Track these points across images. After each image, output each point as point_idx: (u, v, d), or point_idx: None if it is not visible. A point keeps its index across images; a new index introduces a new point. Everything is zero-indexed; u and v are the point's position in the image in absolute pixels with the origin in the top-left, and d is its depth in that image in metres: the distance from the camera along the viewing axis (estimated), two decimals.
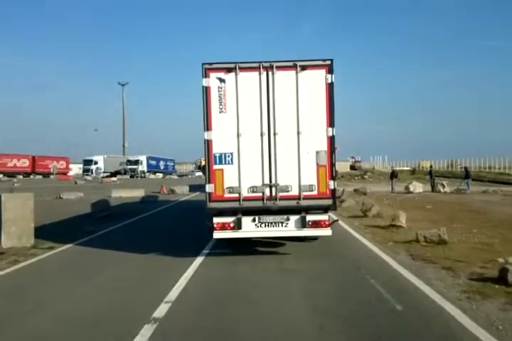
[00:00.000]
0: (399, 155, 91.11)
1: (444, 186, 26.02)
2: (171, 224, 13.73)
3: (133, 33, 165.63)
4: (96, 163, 68.69)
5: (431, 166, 36.27)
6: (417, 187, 25.72)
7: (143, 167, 67.64)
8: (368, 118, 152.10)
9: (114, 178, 49.07)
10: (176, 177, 67.25)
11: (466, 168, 28.67)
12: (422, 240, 9.40)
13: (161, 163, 74.38)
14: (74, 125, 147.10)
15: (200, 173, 70.07)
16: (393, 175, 28.17)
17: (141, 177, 63.95)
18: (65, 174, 67.52)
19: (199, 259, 8.27)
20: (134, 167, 66.87)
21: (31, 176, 68.64)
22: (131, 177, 63.42)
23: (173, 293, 6.08)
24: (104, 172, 66.64)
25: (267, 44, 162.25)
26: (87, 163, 69.16)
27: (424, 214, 15.03)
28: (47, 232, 11.80)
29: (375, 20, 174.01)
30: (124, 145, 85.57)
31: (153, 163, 71.43)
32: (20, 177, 64.15)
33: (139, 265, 8.13)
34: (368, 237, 10.58)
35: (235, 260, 8.22)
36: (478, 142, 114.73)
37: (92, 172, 65.82)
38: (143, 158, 68.07)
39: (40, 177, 66.31)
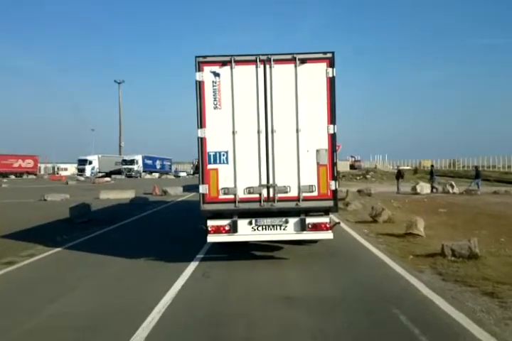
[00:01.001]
0: (399, 154, 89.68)
1: (452, 186, 24.51)
2: (157, 230, 12.20)
3: (130, 34, 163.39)
4: (90, 162, 67.21)
5: (432, 165, 34.32)
6: (424, 187, 24.18)
7: (139, 166, 66.01)
8: (367, 117, 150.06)
9: (107, 178, 47.35)
10: (172, 177, 65.78)
11: (476, 167, 27.15)
12: (449, 254, 7.89)
13: (158, 163, 72.78)
14: (71, 124, 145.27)
15: (183, 174, 68.83)
16: (399, 174, 26.51)
17: (136, 177, 62.42)
18: (34, 174, 65.14)
19: (181, 281, 6.77)
20: (130, 167, 65.30)
21: (24, 176, 67.23)
22: (127, 177, 61.96)
23: (139, 335, 4.56)
24: (100, 172, 65.22)
25: (267, 44, 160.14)
26: (82, 162, 67.59)
27: (440, 219, 13.51)
28: (12, 242, 10.38)
29: (374, 19, 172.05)
30: (120, 145, 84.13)
31: (150, 162, 69.84)
32: (13, 177, 62.78)
33: (108, 286, 6.63)
34: (383, 248, 9.06)
35: (226, 280, 6.80)
36: (479, 140, 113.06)
37: (89, 172, 64.41)
38: (138, 158, 66.48)
39: (34, 176, 64.85)
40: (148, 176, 63.97)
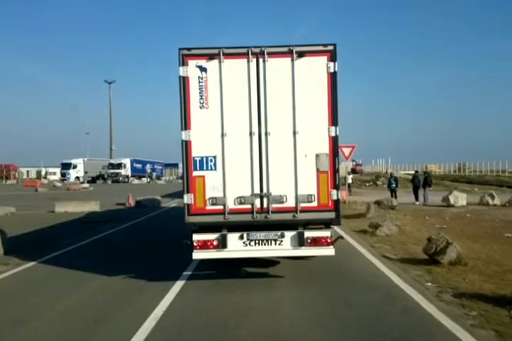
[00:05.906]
0: (402, 158, 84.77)
1: (493, 197, 19.89)
2: (92, 270, 7.46)
3: (126, 34, 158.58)
4: (75, 166, 62.50)
5: (416, 171, 28.80)
6: (460, 198, 19.55)
7: (126, 171, 61.21)
8: (367, 120, 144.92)
9: (85, 185, 42.33)
10: (162, 182, 61.09)
11: None
12: None
13: (148, 167, 68.06)
14: (64, 127, 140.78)
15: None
16: (426, 181, 21.68)
17: (123, 182, 57.71)
18: None
19: None
20: (117, 171, 60.51)
21: (3, 181, 62.95)
22: (113, 182, 57.28)
23: None
24: (89, 177, 60.62)
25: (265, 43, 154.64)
26: (65, 166, 62.87)
27: None
28: None
29: (374, 19, 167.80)
30: (111, 148, 79.56)
31: (139, 166, 65.09)
32: None
33: None
34: None
35: None
36: (486, 144, 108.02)
37: (73, 177, 59.86)
38: (126, 161, 61.67)
39: (13, 182, 60.36)
40: (136, 181, 59.29)
